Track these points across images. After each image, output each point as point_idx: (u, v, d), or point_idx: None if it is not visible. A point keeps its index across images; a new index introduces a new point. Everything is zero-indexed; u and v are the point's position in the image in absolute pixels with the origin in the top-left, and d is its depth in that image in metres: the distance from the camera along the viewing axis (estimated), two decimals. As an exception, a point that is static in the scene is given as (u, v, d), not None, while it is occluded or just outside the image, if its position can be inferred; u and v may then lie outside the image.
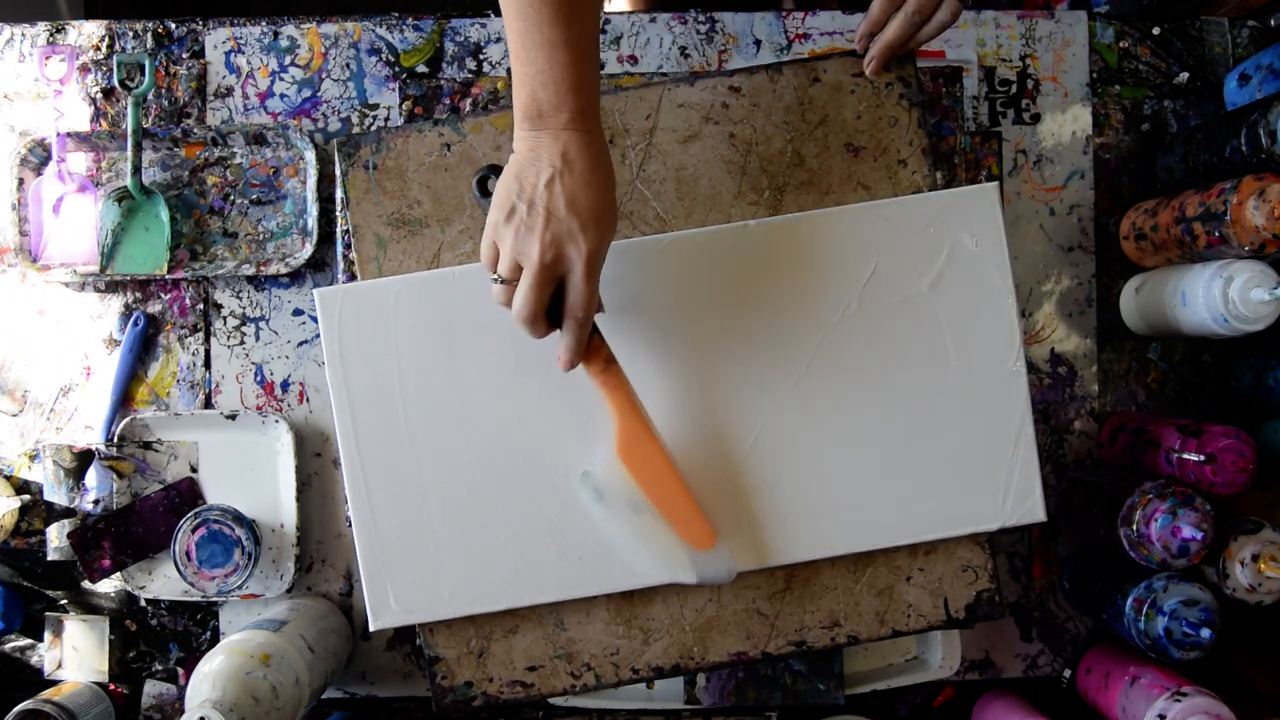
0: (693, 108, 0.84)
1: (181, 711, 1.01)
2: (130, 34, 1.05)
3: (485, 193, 0.76)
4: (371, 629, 0.80)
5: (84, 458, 1.01)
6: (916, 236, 0.81)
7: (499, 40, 1.04)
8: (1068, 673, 1.04)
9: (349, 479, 0.80)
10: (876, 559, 0.83)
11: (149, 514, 1.00)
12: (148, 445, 1.02)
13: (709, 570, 0.77)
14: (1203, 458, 0.88)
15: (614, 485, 0.77)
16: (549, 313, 0.70)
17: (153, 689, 1.04)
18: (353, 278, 0.97)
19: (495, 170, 0.75)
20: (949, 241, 0.81)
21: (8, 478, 1.03)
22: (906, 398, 0.81)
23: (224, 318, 1.03)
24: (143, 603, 1.03)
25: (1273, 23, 1.06)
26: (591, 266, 0.68)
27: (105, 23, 1.05)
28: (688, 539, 0.77)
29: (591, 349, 0.74)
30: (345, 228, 1.00)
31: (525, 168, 0.68)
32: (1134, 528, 0.87)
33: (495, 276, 0.70)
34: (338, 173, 0.85)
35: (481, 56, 1.04)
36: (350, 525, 0.81)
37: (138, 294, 1.04)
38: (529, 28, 0.65)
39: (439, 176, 0.84)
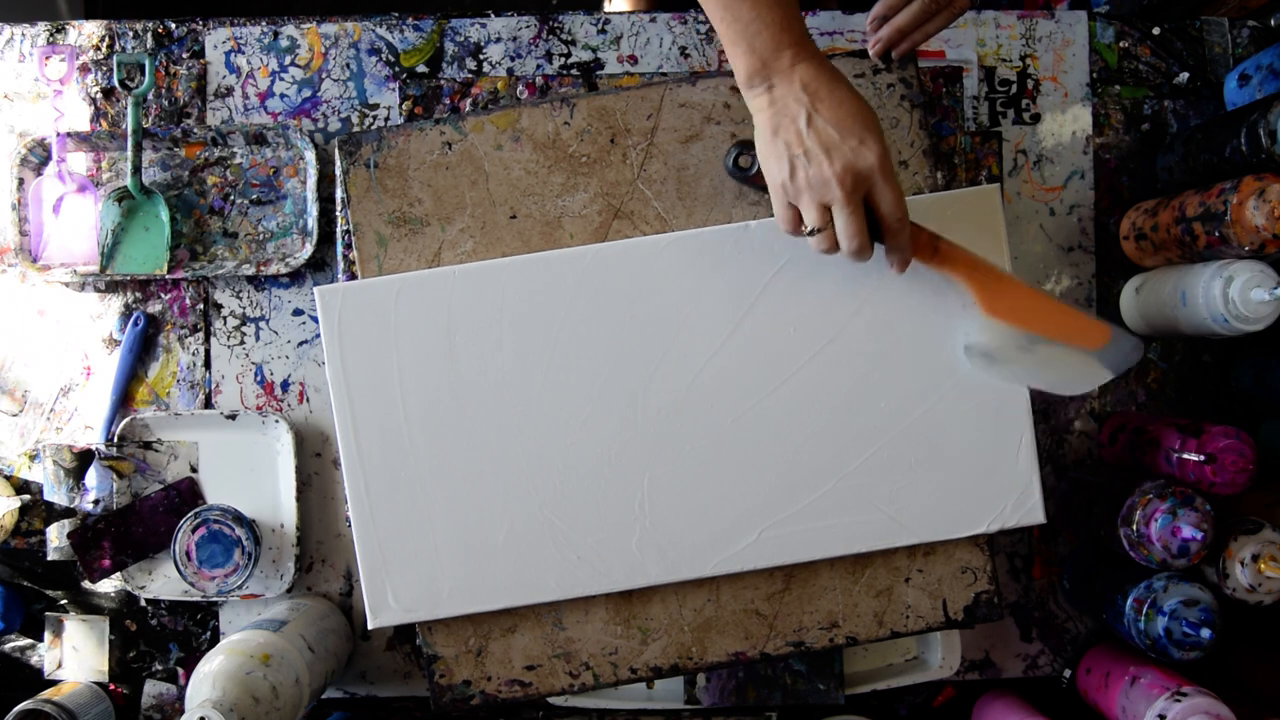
0: (694, 108, 0.84)
1: (181, 711, 1.01)
2: (130, 34, 1.04)
3: (738, 167, 0.77)
4: (370, 627, 0.80)
5: (84, 458, 1.01)
6: (917, 237, 0.81)
7: (499, 40, 1.04)
8: (1068, 673, 1.04)
9: (349, 478, 0.80)
10: (875, 560, 0.83)
11: (149, 514, 1.00)
12: (148, 445, 1.02)
13: (1116, 359, 0.78)
14: (1203, 458, 0.88)
15: (997, 341, 0.77)
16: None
17: (153, 689, 1.04)
18: (353, 277, 0.97)
19: (743, 145, 0.76)
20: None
21: (8, 478, 1.03)
22: (907, 399, 0.81)
23: (224, 318, 1.03)
24: (143, 603, 1.03)
25: (1273, 23, 1.06)
26: (886, 169, 0.68)
27: (105, 23, 1.05)
28: (1085, 344, 0.77)
29: (917, 239, 0.74)
30: (345, 227, 1.00)
31: (779, 123, 0.69)
32: (1134, 528, 0.87)
33: (807, 230, 0.71)
34: (338, 171, 0.85)
35: (481, 56, 1.04)
36: (350, 525, 0.81)
37: (138, 294, 1.04)
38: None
39: (440, 175, 0.84)
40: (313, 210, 1.01)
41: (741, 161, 0.77)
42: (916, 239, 0.74)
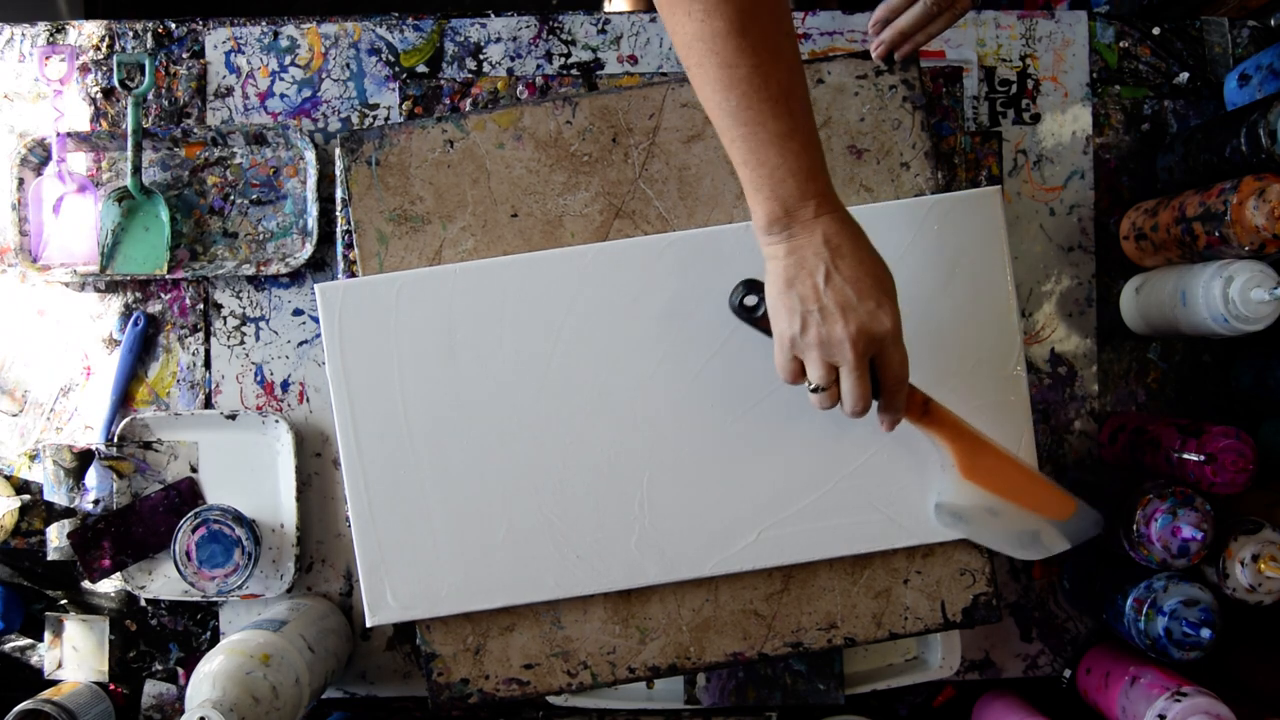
0: (696, 108, 0.84)
1: (181, 711, 1.01)
2: (130, 34, 1.04)
3: (744, 307, 0.75)
4: (369, 625, 0.80)
5: (84, 458, 1.01)
6: (918, 239, 0.81)
7: (499, 40, 1.04)
8: (1068, 673, 1.04)
9: (348, 477, 0.80)
10: (874, 561, 0.83)
11: (149, 514, 1.00)
12: (148, 445, 1.02)
13: (1077, 531, 0.80)
14: (1203, 458, 0.88)
15: (968, 502, 0.79)
16: None
17: (153, 689, 1.04)
18: (353, 277, 0.97)
19: (749, 286, 0.74)
20: (950, 245, 0.81)
21: (8, 478, 1.03)
22: (907, 398, 0.81)
23: (224, 318, 1.03)
24: (143, 603, 1.03)
25: (1273, 23, 1.06)
26: (898, 335, 0.68)
27: (105, 23, 1.05)
28: (1050, 514, 0.79)
29: (910, 399, 0.74)
30: (346, 227, 1.00)
31: (795, 274, 0.67)
32: (1134, 528, 0.87)
33: (812, 387, 0.70)
34: (339, 169, 0.85)
35: (481, 56, 1.04)
36: (350, 525, 0.81)
37: (138, 294, 1.04)
38: (754, 129, 0.64)
39: (442, 173, 0.84)
40: (313, 210, 1.01)
41: (747, 302, 0.74)
42: (910, 399, 0.74)
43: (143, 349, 1.03)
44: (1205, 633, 0.86)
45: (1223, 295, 0.88)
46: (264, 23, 1.04)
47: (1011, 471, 0.79)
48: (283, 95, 1.04)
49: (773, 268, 0.68)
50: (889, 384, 0.70)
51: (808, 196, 0.66)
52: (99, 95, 1.04)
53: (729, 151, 0.67)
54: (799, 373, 0.70)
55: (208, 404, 1.04)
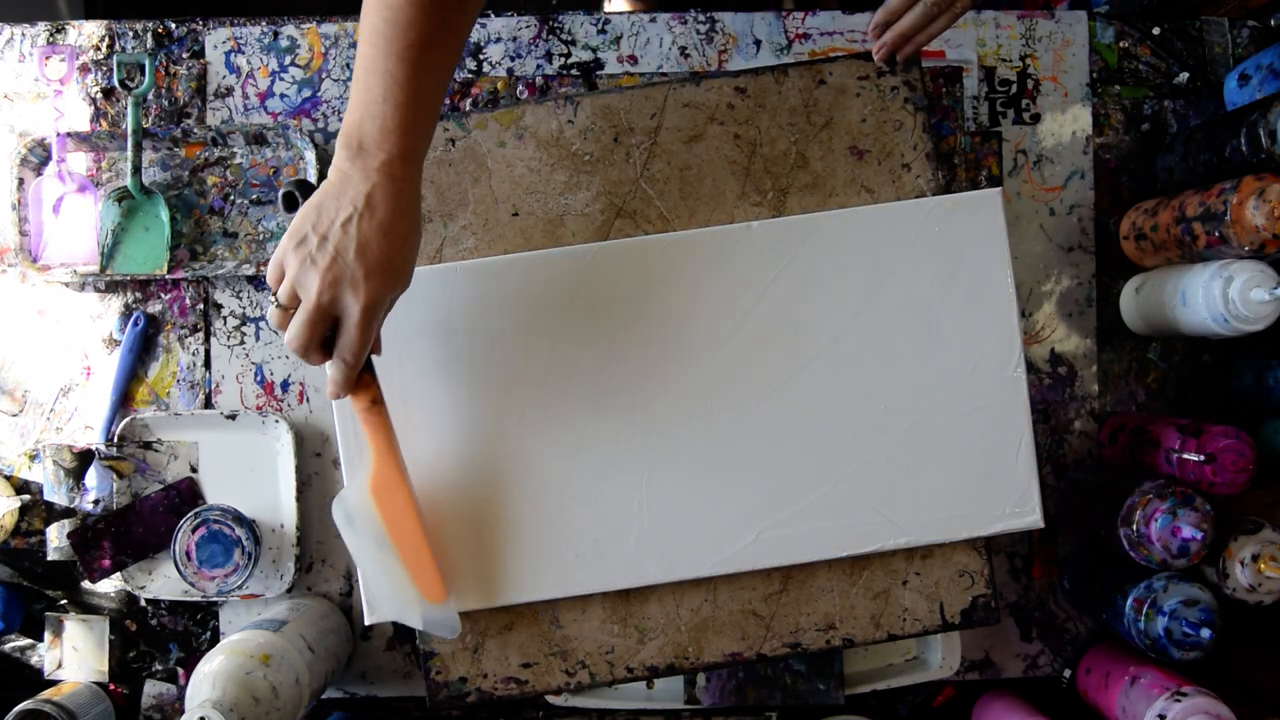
0: (698, 108, 0.84)
1: (181, 711, 1.01)
2: (130, 34, 1.04)
3: (291, 206, 0.73)
4: (367, 623, 0.80)
5: (84, 458, 1.01)
6: (919, 241, 0.81)
7: (499, 40, 1.04)
8: (1068, 673, 1.04)
9: (348, 474, 0.80)
10: (873, 562, 0.83)
11: (149, 514, 1.00)
12: (148, 445, 1.02)
13: (434, 622, 0.77)
14: (1203, 458, 0.88)
15: (364, 517, 0.76)
16: (325, 341, 0.69)
17: (153, 689, 1.04)
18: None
19: (302, 187, 0.73)
20: (951, 247, 0.81)
21: (8, 478, 1.03)
22: (906, 402, 0.81)
23: (224, 318, 1.03)
24: (143, 603, 1.03)
25: (1273, 23, 1.06)
26: (368, 316, 0.67)
27: (105, 23, 1.05)
28: (420, 588, 0.77)
29: (361, 386, 0.73)
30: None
31: (329, 200, 0.66)
32: (1134, 528, 0.87)
33: (273, 299, 0.69)
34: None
35: (481, 56, 1.04)
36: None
37: (138, 294, 1.03)
38: (376, 55, 0.64)
39: (442, 171, 0.84)
40: (313, 210, 1.01)
41: (298, 200, 0.72)
42: (364, 385, 0.73)
43: (143, 349, 1.03)
44: (1205, 633, 0.86)
45: (1223, 295, 0.88)
46: (264, 23, 1.04)
47: (410, 525, 0.77)
48: (283, 95, 1.04)
49: (324, 183, 0.67)
50: (338, 353, 0.69)
51: (382, 148, 0.65)
52: (99, 95, 1.04)
53: (355, 58, 0.66)
54: (278, 279, 0.68)
55: (208, 404, 1.04)
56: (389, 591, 0.77)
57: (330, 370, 0.70)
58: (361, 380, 0.73)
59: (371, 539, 0.76)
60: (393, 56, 0.64)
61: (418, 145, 0.67)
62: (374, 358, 0.74)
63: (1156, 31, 1.06)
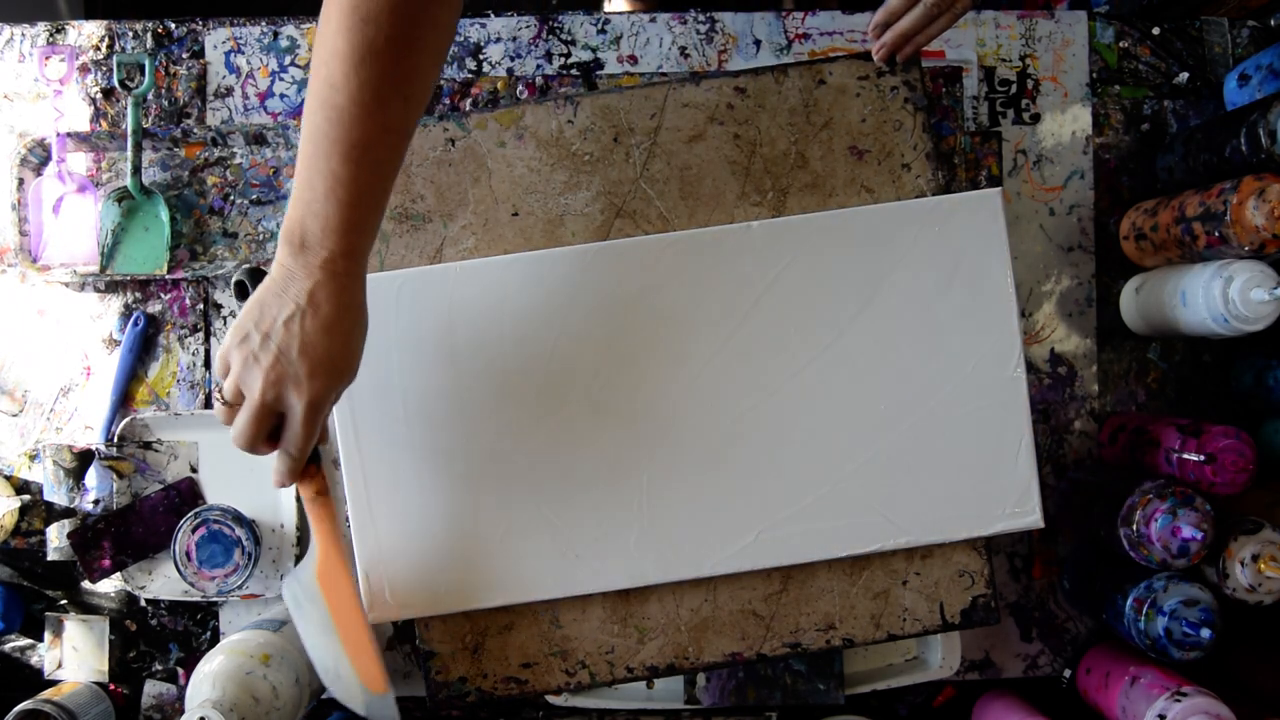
0: (698, 108, 0.84)
1: (181, 711, 1.01)
2: (130, 34, 1.05)
3: (242, 295, 0.73)
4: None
5: (84, 458, 1.01)
6: (919, 241, 0.81)
7: (499, 40, 1.04)
8: (1068, 673, 1.04)
9: (348, 475, 0.81)
10: (873, 562, 0.83)
11: (149, 514, 1.00)
12: (148, 445, 1.02)
13: (376, 710, 0.77)
14: (1203, 458, 0.88)
15: (312, 601, 0.77)
16: (273, 432, 0.70)
17: (153, 689, 1.04)
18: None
19: (254, 275, 0.73)
20: (951, 247, 0.81)
21: (8, 478, 1.03)
22: (906, 402, 0.81)
23: (224, 318, 1.03)
24: (143, 603, 1.03)
25: (1273, 23, 1.06)
26: (312, 413, 0.67)
27: (105, 23, 1.05)
28: (362, 677, 0.77)
29: (307, 476, 0.74)
30: (345, 227, 1.00)
31: (271, 297, 0.66)
32: (1134, 528, 0.87)
33: (219, 395, 0.69)
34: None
35: (481, 56, 1.04)
36: (350, 525, 0.81)
37: (138, 294, 1.04)
38: (317, 154, 0.63)
39: (443, 171, 0.84)
40: (313, 210, 1.01)
41: (248, 289, 0.72)
42: (310, 475, 0.74)
43: (143, 349, 1.03)
44: (1205, 633, 0.86)
45: (1223, 295, 0.88)
46: (264, 23, 1.04)
47: (352, 615, 0.77)
48: (283, 95, 1.04)
49: (267, 279, 0.67)
50: (283, 448, 0.69)
51: (324, 245, 0.64)
52: (99, 95, 1.04)
53: (297, 154, 0.65)
54: (224, 371, 0.68)
55: (208, 404, 1.04)
56: (334, 676, 0.78)
57: (276, 463, 0.71)
58: (308, 471, 0.73)
59: (318, 623, 0.77)
60: (335, 156, 0.62)
61: (361, 242, 0.66)
62: (321, 449, 0.74)
63: (1156, 31, 1.06)
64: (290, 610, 0.78)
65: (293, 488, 0.79)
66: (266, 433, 0.68)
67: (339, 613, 0.77)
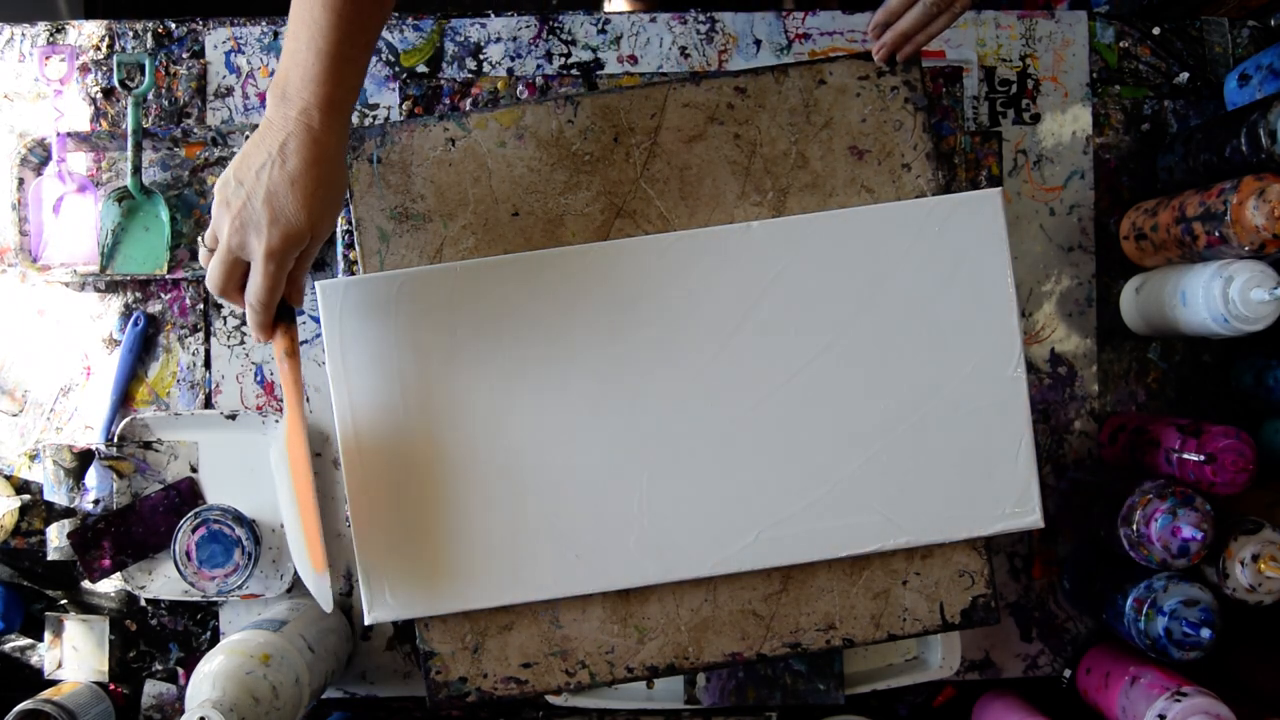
0: (698, 108, 0.84)
1: (181, 711, 1.01)
2: (130, 34, 1.05)
3: None
4: (367, 622, 0.80)
5: (84, 458, 1.01)
6: (919, 241, 0.81)
7: (499, 40, 1.04)
8: (1068, 673, 1.04)
9: (348, 474, 0.80)
10: (873, 562, 0.83)
11: (149, 514, 1.00)
12: (148, 445, 1.02)
13: (315, 587, 0.78)
14: (1203, 458, 0.88)
15: (282, 465, 0.79)
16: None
17: (153, 689, 1.04)
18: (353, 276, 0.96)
19: None
20: (951, 247, 0.81)
21: (8, 478, 1.03)
22: (906, 402, 0.81)
23: (224, 318, 1.03)
24: (143, 603, 1.03)
25: (1273, 23, 1.06)
26: (270, 261, 0.69)
27: (105, 23, 1.05)
28: (309, 551, 0.78)
29: (279, 333, 0.76)
30: (346, 227, 1.00)
31: (253, 146, 0.69)
32: (1134, 528, 0.87)
33: (201, 238, 0.72)
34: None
35: (481, 56, 1.04)
36: (350, 525, 0.81)
37: (138, 294, 1.04)
38: (302, 5, 0.67)
39: (443, 171, 0.84)
40: (313, 210, 1.01)
41: None
42: (281, 332, 0.75)
43: (143, 349, 1.03)
44: (1205, 633, 0.86)
45: (1223, 295, 0.88)
46: (264, 23, 1.04)
47: (303, 484, 0.77)
48: (283, 95, 1.04)
49: (262, 123, 0.70)
50: (246, 297, 0.71)
51: (301, 95, 0.67)
52: (99, 95, 1.04)
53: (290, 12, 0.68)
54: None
55: (208, 404, 1.04)
56: (296, 546, 0.79)
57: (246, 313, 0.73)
58: (278, 328, 0.75)
59: (287, 490, 0.79)
60: (318, 5, 0.66)
61: (338, 95, 0.68)
62: (296, 308, 0.76)
63: (1156, 31, 1.06)
64: (275, 471, 0.79)
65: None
66: (235, 279, 0.71)
67: (296, 478, 0.78)
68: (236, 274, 0.71)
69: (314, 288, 0.80)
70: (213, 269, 0.70)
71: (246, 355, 1.03)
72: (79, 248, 1.03)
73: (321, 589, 0.77)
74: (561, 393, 0.81)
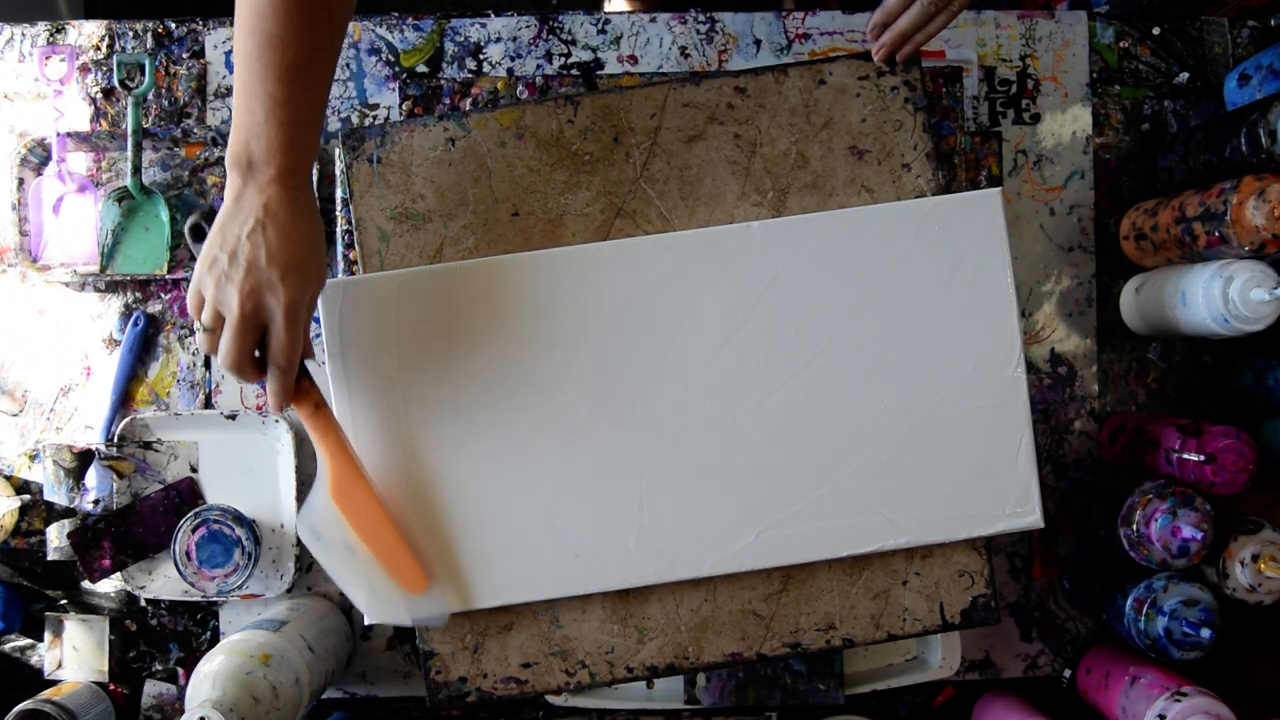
0: (698, 108, 0.84)
1: (181, 711, 1.01)
2: (130, 34, 1.04)
3: (199, 237, 0.76)
4: (367, 623, 0.80)
5: (84, 458, 1.01)
6: (919, 241, 0.81)
7: (499, 40, 1.04)
8: (1068, 673, 1.04)
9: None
10: (873, 562, 0.83)
11: (149, 514, 1.00)
12: (148, 445, 1.02)
13: (422, 612, 0.77)
14: (1203, 458, 0.88)
15: (330, 526, 0.76)
16: (260, 363, 0.71)
17: (153, 689, 1.04)
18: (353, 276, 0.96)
19: (209, 217, 0.75)
20: (951, 247, 0.81)
21: (8, 478, 1.03)
22: (906, 402, 0.81)
23: (224, 317, 1.03)
24: (143, 603, 1.03)
25: (1273, 23, 1.06)
26: (292, 316, 0.69)
27: (105, 23, 1.05)
28: (400, 582, 0.77)
29: (300, 393, 0.75)
30: (346, 227, 1.00)
31: (229, 220, 0.69)
32: (1134, 528, 0.87)
33: (199, 325, 0.70)
34: (340, 167, 0.85)
35: (481, 56, 1.04)
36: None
37: (138, 294, 1.04)
38: (254, 80, 0.66)
39: (443, 171, 0.84)
40: (313, 210, 1.01)
41: (204, 231, 0.75)
42: (303, 391, 0.75)
43: (143, 349, 1.03)
44: (1205, 633, 0.86)
45: (1223, 295, 0.88)
46: (264, 23, 1.04)
47: (377, 520, 0.77)
48: (283, 95, 1.04)
49: (222, 206, 0.70)
50: (271, 360, 0.71)
51: (270, 164, 0.68)
52: (99, 95, 1.04)
53: (234, 81, 0.68)
54: (199, 308, 0.71)
55: (208, 404, 1.04)
56: (370, 596, 0.77)
57: (268, 382, 0.72)
58: (301, 388, 0.74)
59: (341, 546, 0.77)
60: (270, 79, 0.66)
61: (304, 159, 0.70)
62: (311, 365, 0.75)
63: (1156, 31, 1.06)
64: (309, 546, 0.77)
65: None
66: (251, 349, 0.70)
67: (361, 524, 0.76)
68: (251, 342, 0.70)
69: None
70: (226, 346, 0.69)
71: (246, 355, 1.03)
72: (79, 248, 1.03)
73: (433, 607, 0.77)
74: (561, 392, 0.81)
